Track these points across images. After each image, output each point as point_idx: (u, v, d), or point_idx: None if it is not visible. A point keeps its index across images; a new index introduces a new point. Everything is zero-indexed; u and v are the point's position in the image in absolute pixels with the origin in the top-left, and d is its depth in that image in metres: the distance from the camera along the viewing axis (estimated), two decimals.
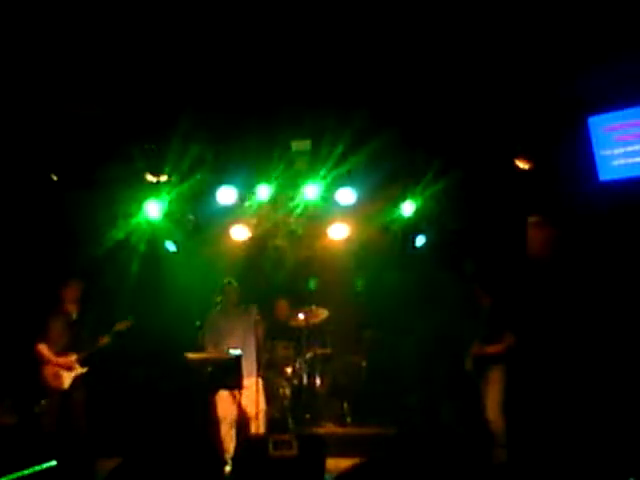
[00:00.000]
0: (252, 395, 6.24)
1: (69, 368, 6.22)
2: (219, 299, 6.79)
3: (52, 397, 6.17)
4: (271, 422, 6.59)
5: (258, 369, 6.34)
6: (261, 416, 6.26)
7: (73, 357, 6.26)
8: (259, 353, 6.43)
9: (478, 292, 6.26)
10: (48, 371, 6.18)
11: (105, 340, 6.37)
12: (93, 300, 6.76)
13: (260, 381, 6.35)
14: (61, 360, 6.21)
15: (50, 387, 6.17)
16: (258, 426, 6.24)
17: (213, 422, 6.30)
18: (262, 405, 6.29)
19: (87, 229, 7.14)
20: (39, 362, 6.22)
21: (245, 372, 6.08)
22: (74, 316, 6.46)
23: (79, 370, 6.28)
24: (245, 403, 6.31)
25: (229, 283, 6.67)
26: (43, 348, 6.22)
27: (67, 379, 6.21)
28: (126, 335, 6.53)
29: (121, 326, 6.42)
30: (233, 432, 6.29)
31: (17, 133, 6.34)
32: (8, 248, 6.90)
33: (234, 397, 6.27)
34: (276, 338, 7.55)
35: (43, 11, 4.93)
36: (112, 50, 5.46)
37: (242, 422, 6.36)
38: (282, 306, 7.85)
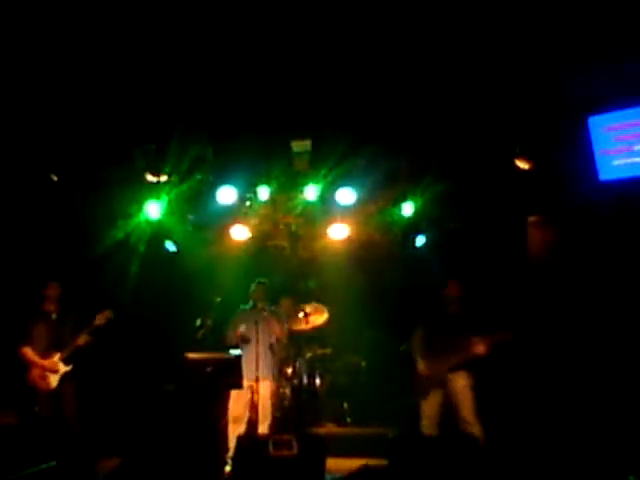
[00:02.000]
0: (265, 397, 6.27)
1: (54, 370, 6.18)
2: (218, 300, 6.78)
3: (42, 398, 6.13)
4: (271, 422, 6.59)
5: (276, 371, 6.43)
6: (262, 418, 6.26)
7: (56, 357, 6.21)
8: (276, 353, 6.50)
9: (452, 289, 6.12)
10: (34, 373, 6.15)
11: (85, 337, 6.25)
12: (93, 300, 6.76)
13: (268, 384, 6.36)
14: (45, 363, 6.17)
15: (38, 388, 6.14)
16: (263, 428, 6.26)
17: (217, 422, 6.29)
18: (264, 408, 6.30)
19: (87, 229, 7.14)
20: (25, 365, 6.19)
21: (264, 373, 6.18)
22: (54, 316, 6.38)
23: (63, 369, 6.22)
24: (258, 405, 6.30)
25: (261, 283, 6.62)
26: (27, 351, 6.19)
27: (54, 380, 6.18)
28: (109, 328, 6.38)
29: (100, 320, 6.27)
30: (238, 428, 6.24)
31: (17, 133, 6.34)
32: (8, 249, 6.90)
33: (250, 398, 6.27)
34: None
35: (44, 12, 4.93)
36: (112, 50, 5.46)
37: (252, 423, 6.35)
38: (286, 304, 7.83)
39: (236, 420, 6.25)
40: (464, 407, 5.79)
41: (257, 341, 6.27)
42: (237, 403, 6.28)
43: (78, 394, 6.32)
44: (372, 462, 5.24)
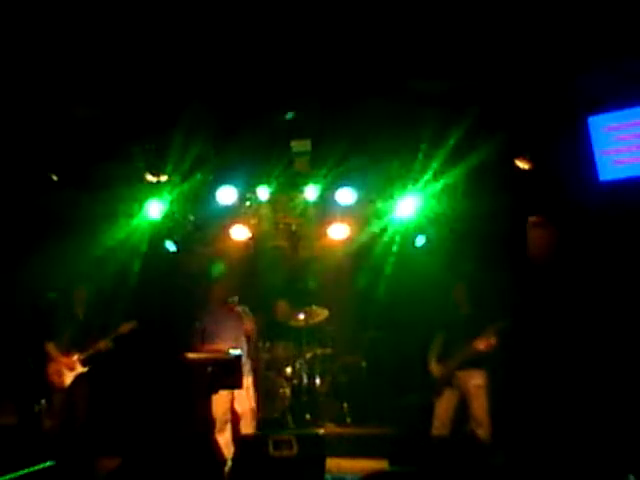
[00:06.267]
0: (241, 396, 6.20)
1: (71, 368, 6.44)
2: None
3: (54, 394, 6.39)
4: (271, 422, 6.59)
5: (250, 369, 6.32)
6: (250, 416, 6.23)
7: (75, 357, 6.47)
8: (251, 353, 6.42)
9: (459, 291, 6.20)
10: (52, 368, 6.41)
11: (107, 342, 6.53)
12: (95, 301, 6.81)
13: (250, 380, 6.29)
14: (64, 360, 6.43)
15: (53, 384, 6.40)
16: (247, 426, 6.20)
17: (211, 422, 6.29)
18: (252, 404, 6.27)
19: (87, 229, 7.14)
20: (46, 359, 6.44)
21: None
22: (81, 317, 6.65)
23: (80, 370, 6.48)
24: (236, 405, 6.25)
25: (215, 279, 6.59)
26: (50, 346, 6.46)
27: (68, 377, 6.43)
28: (129, 337, 6.62)
29: (124, 329, 6.55)
30: (228, 432, 6.20)
31: (17, 133, 6.34)
32: (8, 249, 6.91)
33: (231, 397, 6.23)
34: (276, 338, 7.55)
35: (43, 11, 4.94)
36: (112, 49, 5.46)
37: (233, 422, 6.32)
38: (282, 307, 7.85)
39: (221, 420, 6.15)
40: (476, 407, 5.84)
41: (231, 341, 6.23)
42: (218, 403, 6.14)
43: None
44: (371, 462, 5.24)
